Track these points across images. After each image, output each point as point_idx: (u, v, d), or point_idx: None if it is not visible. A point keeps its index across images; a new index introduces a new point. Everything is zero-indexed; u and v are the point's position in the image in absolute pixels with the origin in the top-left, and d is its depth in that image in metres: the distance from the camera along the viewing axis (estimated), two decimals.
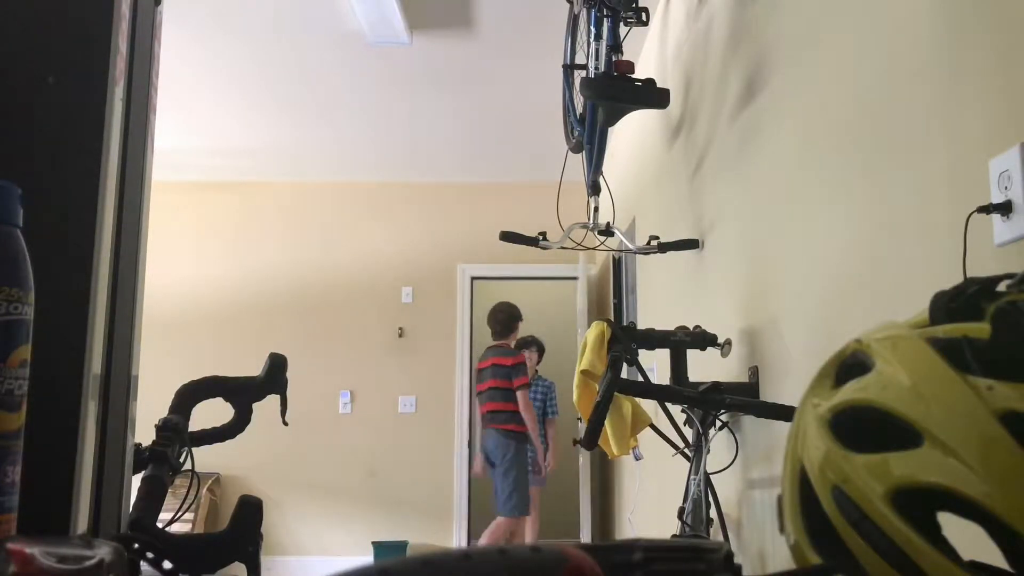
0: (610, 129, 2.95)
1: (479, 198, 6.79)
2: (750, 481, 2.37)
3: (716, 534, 2.23)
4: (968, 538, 0.54)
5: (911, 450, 0.52)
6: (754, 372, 2.29)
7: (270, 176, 6.76)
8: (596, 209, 3.12)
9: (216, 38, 4.44)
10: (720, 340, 2.40)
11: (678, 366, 2.35)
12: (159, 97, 1.10)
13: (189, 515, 5.23)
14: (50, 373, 0.75)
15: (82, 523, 0.81)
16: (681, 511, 2.28)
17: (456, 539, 6.41)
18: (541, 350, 6.27)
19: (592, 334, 2.32)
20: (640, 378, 2.55)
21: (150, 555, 0.93)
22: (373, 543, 6.22)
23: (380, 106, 5.36)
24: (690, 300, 3.16)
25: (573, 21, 3.45)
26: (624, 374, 2.03)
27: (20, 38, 0.85)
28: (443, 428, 6.55)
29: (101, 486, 0.87)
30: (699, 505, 2.18)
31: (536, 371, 6.10)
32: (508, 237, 2.97)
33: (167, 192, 6.46)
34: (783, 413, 1.80)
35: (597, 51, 2.78)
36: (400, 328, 6.66)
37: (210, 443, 1.29)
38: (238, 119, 5.61)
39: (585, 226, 3.08)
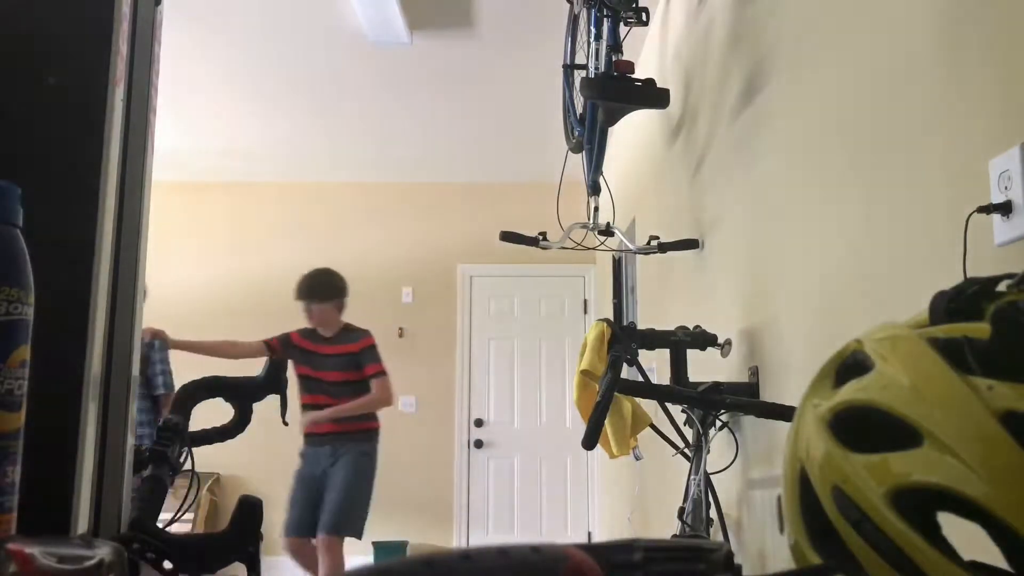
0: (610, 129, 2.95)
1: (479, 198, 6.79)
2: (750, 481, 2.37)
3: (716, 534, 2.23)
4: (968, 538, 0.54)
5: (911, 450, 0.52)
6: (754, 372, 2.29)
7: (270, 176, 6.75)
8: (596, 209, 3.12)
9: (216, 38, 4.44)
10: (720, 340, 2.40)
11: (678, 366, 2.35)
12: (159, 97, 1.10)
13: (189, 515, 5.23)
14: (50, 373, 0.75)
15: (82, 523, 0.81)
16: (681, 511, 2.28)
17: (456, 539, 6.41)
18: None
19: (592, 334, 2.32)
20: (640, 378, 2.55)
21: (150, 555, 0.93)
22: (373, 543, 6.21)
23: (380, 106, 5.36)
24: (690, 300, 3.16)
25: (573, 21, 3.45)
26: (624, 374, 2.03)
27: (20, 39, 0.85)
28: (443, 428, 6.55)
29: (101, 486, 0.87)
30: (699, 505, 2.18)
31: None
32: (508, 237, 2.97)
33: (167, 192, 6.45)
34: (783, 413, 1.80)
35: (597, 51, 2.78)
36: (400, 328, 6.65)
37: (210, 443, 1.29)
38: (238, 119, 5.61)
39: (585, 226, 3.08)
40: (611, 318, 2.81)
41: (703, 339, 2.38)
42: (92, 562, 0.54)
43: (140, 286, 1.01)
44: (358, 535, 4.30)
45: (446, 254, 6.74)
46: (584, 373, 2.30)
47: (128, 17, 0.92)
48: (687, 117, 3.28)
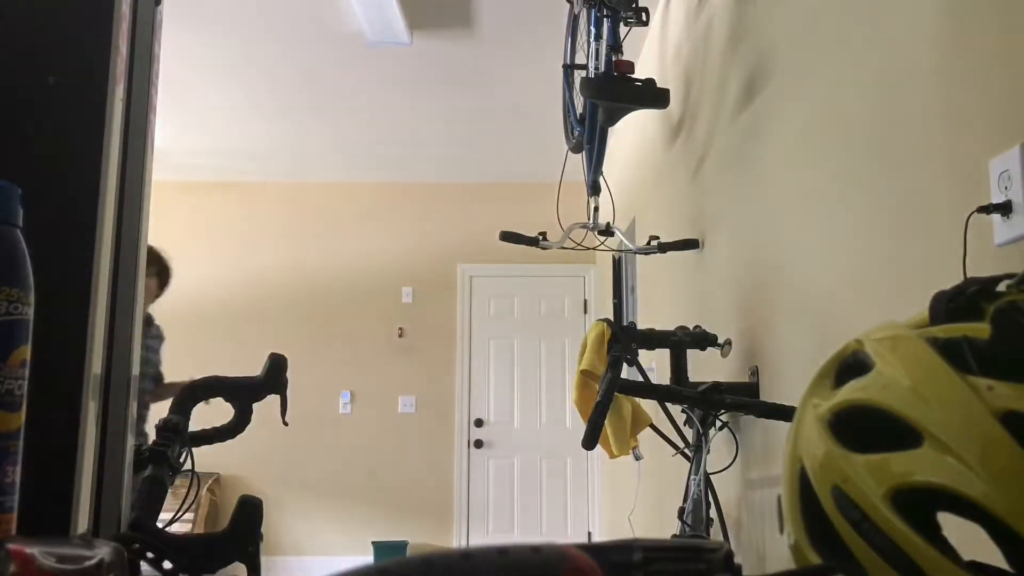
0: (610, 129, 2.95)
1: (479, 198, 6.79)
2: (750, 481, 2.37)
3: (716, 534, 2.23)
4: (968, 538, 0.54)
5: (911, 450, 0.52)
6: (754, 372, 2.29)
7: (270, 176, 6.75)
8: (596, 209, 3.12)
9: (216, 38, 4.44)
10: (720, 340, 2.40)
11: (678, 366, 2.35)
12: (159, 97, 1.10)
13: (189, 515, 5.23)
14: (50, 373, 0.75)
15: (82, 523, 0.81)
16: (681, 511, 2.28)
17: (456, 539, 6.41)
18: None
19: (592, 334, 2.32)
20: (640, 378, 2.55)
21: (150, 555, 0.94)
22: (373, 543, 6.21)
23: (380, 106, 5.36)
24: (690, 300, 3.16)
25: (573, 21, 3.45)
26: (624, 374, 2.03)
27: (20, 38, 0.85)
28: (443, 428, 6.55)
29: (101, 486, 0.87)
30: (699, 505, 2.18)
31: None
32: (508, 237, 2.97)
33: (167, 192, 6.45)
34: (783, 413, 1.80)
35: (597, 51, 2.78)
36: (400, 328, 6.65)
37: (210, 443, 1.29)
38: (238, 119, 5.61)
39: (585, 226, 3.08)
40: (611, 318, 2.80)
41: (703, 339, 2.38)
42: (92, 562, 0.54)
43: (140, 286, 1.01)
44: None
45: (446, 254, 6.74)
46: (584, 373, 2.30)
47: (128, 17, 0.92)
48: (687, 117, 3.28)
